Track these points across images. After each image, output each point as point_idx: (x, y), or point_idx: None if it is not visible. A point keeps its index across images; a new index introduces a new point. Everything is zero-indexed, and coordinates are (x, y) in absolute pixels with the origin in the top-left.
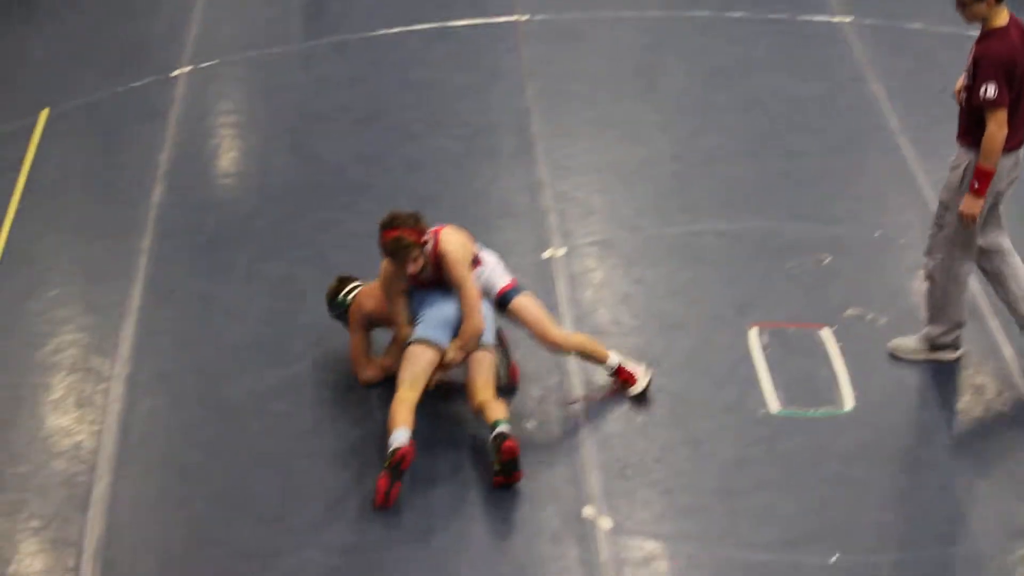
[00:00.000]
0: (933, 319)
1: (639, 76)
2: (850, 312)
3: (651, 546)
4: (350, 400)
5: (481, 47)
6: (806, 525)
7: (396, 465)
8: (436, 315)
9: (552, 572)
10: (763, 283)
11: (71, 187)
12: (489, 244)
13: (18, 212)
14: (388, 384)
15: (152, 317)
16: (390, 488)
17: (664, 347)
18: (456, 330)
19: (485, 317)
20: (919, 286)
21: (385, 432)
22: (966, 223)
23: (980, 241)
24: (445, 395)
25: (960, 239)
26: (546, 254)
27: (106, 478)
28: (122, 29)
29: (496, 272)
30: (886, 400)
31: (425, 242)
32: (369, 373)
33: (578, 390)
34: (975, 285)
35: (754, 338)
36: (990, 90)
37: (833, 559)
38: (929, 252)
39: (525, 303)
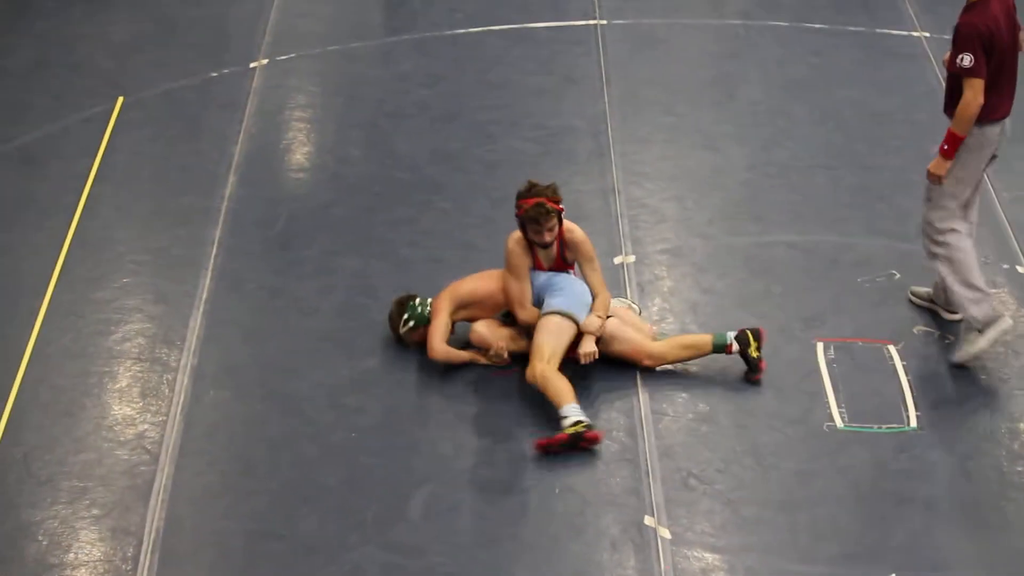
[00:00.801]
0: (949, 303)
1: (716, 84)
2: (918, 329)
3: (710, 557)
4: (421, 398)
5: (560, 50)
6: (866, 541)
7: (580, 438)
8: (572, 291)
9: None
10: (832, 297)
11: (144, 176)
12: None
13: (89, 199)
14: (460, 382)
15: (221, 309)
16: (558, 446)
17: (730, 358)
18: (587, 308)
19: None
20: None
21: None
22: (932, 181)
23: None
24: (505, 398)
25: (951, 207)
26: (617, 260)
27: (168, 469)
28: (200, 17)
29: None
30: (951, 419)
31: (562, 209)
32: (445, 348)
33: (644, 402)
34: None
35: (821, 352)
36: (966, 60)
37: None
38: (923, 224)
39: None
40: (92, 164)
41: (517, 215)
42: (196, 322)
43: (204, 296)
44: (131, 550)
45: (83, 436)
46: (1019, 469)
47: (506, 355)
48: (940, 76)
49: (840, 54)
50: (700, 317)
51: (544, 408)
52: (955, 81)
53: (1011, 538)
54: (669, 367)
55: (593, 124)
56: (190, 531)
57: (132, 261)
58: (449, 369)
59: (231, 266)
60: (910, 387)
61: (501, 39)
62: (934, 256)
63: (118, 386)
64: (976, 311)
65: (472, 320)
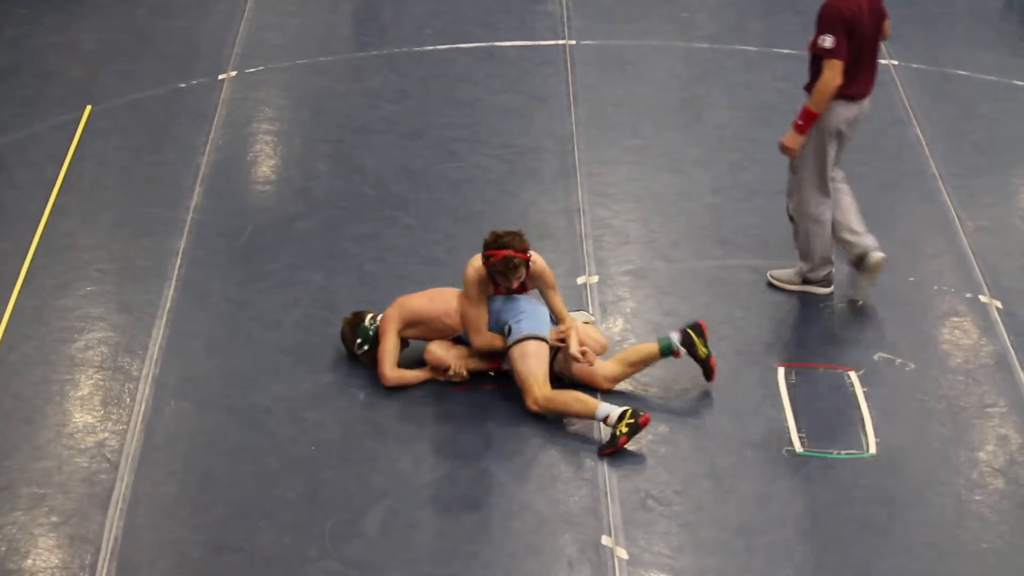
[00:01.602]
0: (803, 257)
1: (684, 107)
2: (879, 356)
3: None
4: (380, 412)
5: (528, 69)
6: (823, 566)
7: (637, 428)
8: (534, 313)
9: None
10: (794, 322)
11: (110, 185)
12: None
13: (55, 207)
14: (419, 396)
15: (183, 320)
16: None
17: (691, 380)
18: (549, 326)
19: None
20: (949, 334)
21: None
22: (787, 153)
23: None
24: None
25: (813, 181)
26: (580, 280)
27: (128, 478)
28: (171, 28)
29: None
30: (909, 446)
31: (529, 258)
32: (397, 374)
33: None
34: (1005, 340)
35: (782, 376)
36: (828, 41)
37: None
38: (789, 195)
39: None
40: (59, 172)
41: (485, 264)
42: (159, 332)
43: (167, 306)
44: (89, 558)
45: (43, 443)
46: (977, 498)
47: (465, 373)
48: (908, 104)
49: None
50: None
51: (502, 422)
52: (817, 61)
53: (968, 566)
54: (629, 387)
55: (560, 144)
56: (148, 541)
57: (97, 270)
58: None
59: (195, 277)
60: (870, 413)
61: (470, 57)
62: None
63: (79, 394)
64: (865, 244)
65: (423, 339)
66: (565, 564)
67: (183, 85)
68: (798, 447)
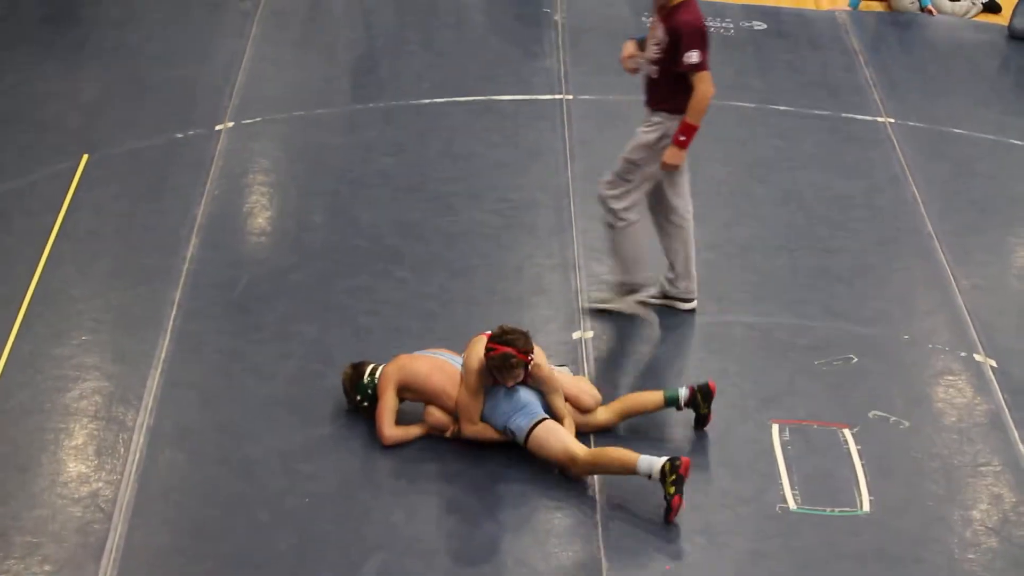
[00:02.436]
0: (623, 269)
1: None
2: (873, 414)
3: None
4: (374, 464)
5: (525, 123)
6: None
7: (682, 481)
8: (531, 403)
9: None
10: (789, 379)
11: (106, 234)
12: (521, 321)
13: (51, 255)
14: (413, 449)
15: (178, 370)
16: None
17: (684, 436)
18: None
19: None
20: (943, 392)
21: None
22: (670, 170)
23: (672, 199)
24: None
25: (640, 193)
26: (575, 335)
27: (121, 528)
28: (169, 78)
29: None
30: (903, 504)
31: (530, 361)
32: (396, 432)
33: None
34: (999, 399)
35: (776, 433)
36: (695, 56)
37: None
38: (607, 202)
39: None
40: (56, 220)
41: (485, 355)
42: (153, 382)
43: (162, 356)
44: None
45: (38, 492)
46: (970, 556)
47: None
48: (904, 162)
49: (804, 137)
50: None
51: (497, 475)
52: (675, 78)
53: None
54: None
55: (556, 198)
56: None
57: (92, 319)
58: None
59: (190, 328)
60: (863, 471)
61: (466, 110)
62: (669, 231)
63: (74, 443)
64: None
65: (420, 402)
66: None
67: (180, 135)
68: (792, 504)
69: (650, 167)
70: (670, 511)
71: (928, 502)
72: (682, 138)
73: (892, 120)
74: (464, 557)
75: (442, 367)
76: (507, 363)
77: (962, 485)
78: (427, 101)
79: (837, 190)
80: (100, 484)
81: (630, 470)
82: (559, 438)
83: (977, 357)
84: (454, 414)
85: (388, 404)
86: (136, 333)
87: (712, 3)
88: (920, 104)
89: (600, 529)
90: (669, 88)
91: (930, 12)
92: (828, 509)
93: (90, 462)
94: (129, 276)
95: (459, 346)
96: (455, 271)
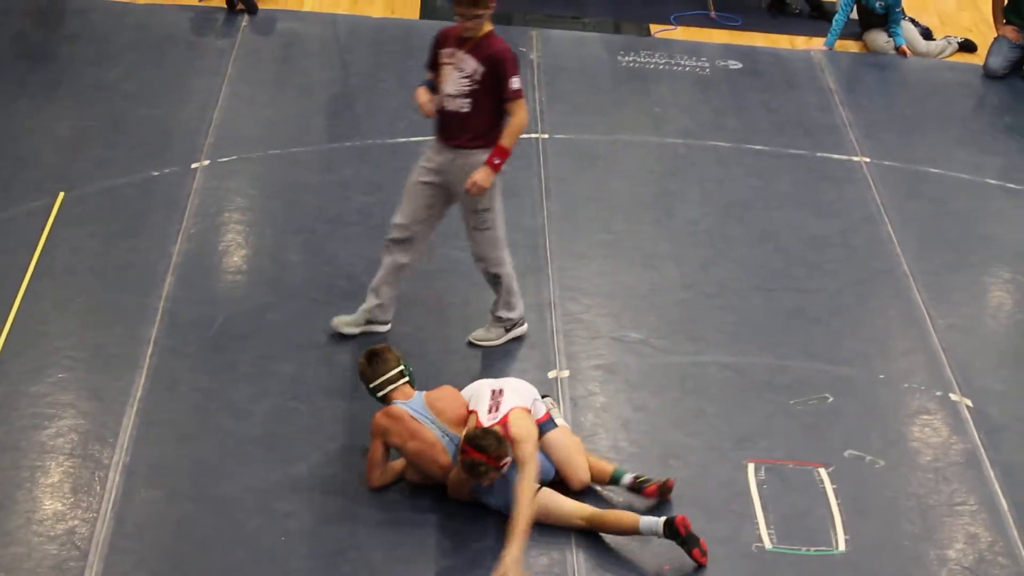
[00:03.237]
0: (508, 306)
1: (656, 202)
2: (849, 453)
3: None
4: (351, 503)
5: None
6: None
7: (688, 534)
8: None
9: None
10: (764, 419)
11: (82, 272)
12: (496, 361)
13: (27, 293)
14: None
15: (154, 408)
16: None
17: (661, 475)
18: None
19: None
20: (919, 432)
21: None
22: (479, 191)
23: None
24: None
25: (502, 231)
26: (551, 374)
27: (97, 566)
28: (145, 116)
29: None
30: (879, 543)
31: (502, 466)
32: (383, 478)
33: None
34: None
35: (752, 472)
36: (517, 82)
37: None
38: (481, 258)
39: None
40: (32, 258)
41: (460, 455)
42: (129, 420)
43: (138, 395)
44: None
45: (13, 529)
46: None
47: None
48: (880, 201)
49: (780, 176)
50: (632, 434)
51: (475, 516)
52: (484, 110)
53: None
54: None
55: (531, 238)
56: None
57: (68, 357)
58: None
59: (166, 366)
60: (839, 510)
61: None
62: (498, 278)
63: (50, 481)
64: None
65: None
66: None
67: (156, 173)
68: (768, 543)
69: (498, 202)
70: (699, 561)
71: (904, 541)
72: (497, 161)
73: (868, 159)
74: None
75: (431, 448)
76: (475, 470)
77: (938, 524)
78: (403, 140)
79: (813, 230)
80: (76, 522)
81: (633, 532)
82: (562, 506)
83: (953, 396)
84: (433, 477)
85: (377, 454)
86: (112, 371)
87: (688, 42)
88: (896, 144)
89: (575, 567)
90: (486, 120)
91: (904, 53)
92: (804, 548)
93: (66, 500)
94: (105, 314)
95: (435, 385)
96: (431, 310)
